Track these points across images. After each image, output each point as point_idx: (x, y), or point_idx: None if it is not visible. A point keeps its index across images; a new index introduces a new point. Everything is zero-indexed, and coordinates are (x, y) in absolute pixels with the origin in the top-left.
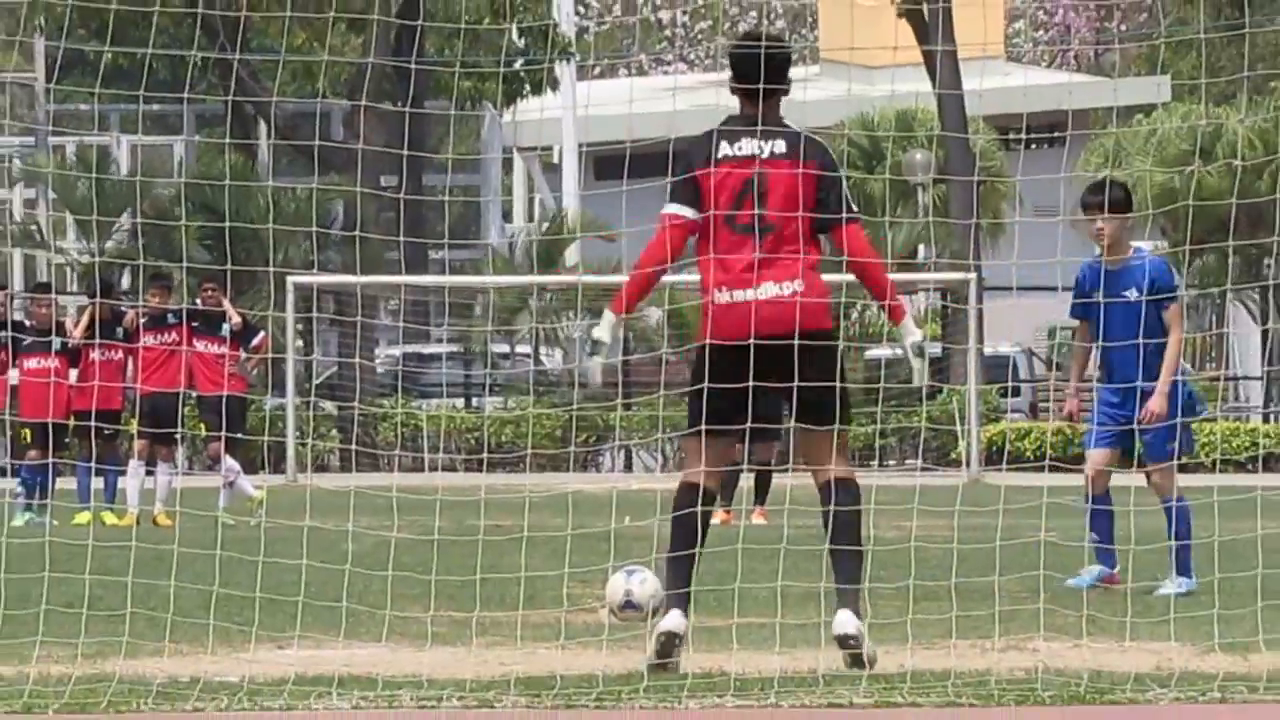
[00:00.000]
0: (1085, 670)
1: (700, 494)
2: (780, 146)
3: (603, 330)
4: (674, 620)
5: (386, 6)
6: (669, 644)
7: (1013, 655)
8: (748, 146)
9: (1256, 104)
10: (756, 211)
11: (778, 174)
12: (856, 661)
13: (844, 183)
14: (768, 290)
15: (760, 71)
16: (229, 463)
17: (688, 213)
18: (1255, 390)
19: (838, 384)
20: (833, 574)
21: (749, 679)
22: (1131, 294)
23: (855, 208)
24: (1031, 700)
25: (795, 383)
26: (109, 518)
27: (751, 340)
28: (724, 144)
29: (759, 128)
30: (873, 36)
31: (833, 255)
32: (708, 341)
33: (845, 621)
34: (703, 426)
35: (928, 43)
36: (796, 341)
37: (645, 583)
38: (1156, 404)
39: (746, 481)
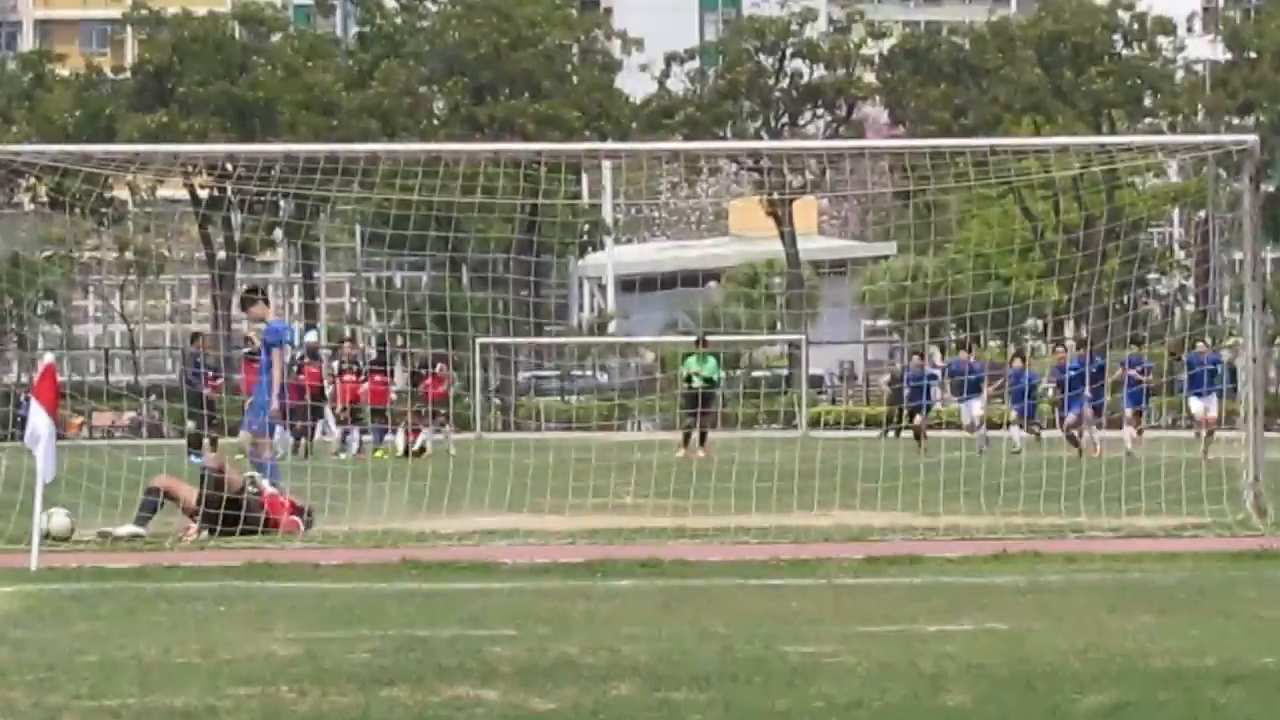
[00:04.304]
0: (856, 524)
1: None
2: None
3: None
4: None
5: (523, 210)
6: None
7: (819, 519)
8: None
9: (938, 255)
10: None
11: None
12: None
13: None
14: None
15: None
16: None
17: None
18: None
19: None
20: None
21: (698, 529)
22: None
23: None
24: (828, 540)
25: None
26: (380, 454)
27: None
28: None
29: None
30: (755, 224)
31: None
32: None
33: None
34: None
35: (782, 227)
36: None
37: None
38: None
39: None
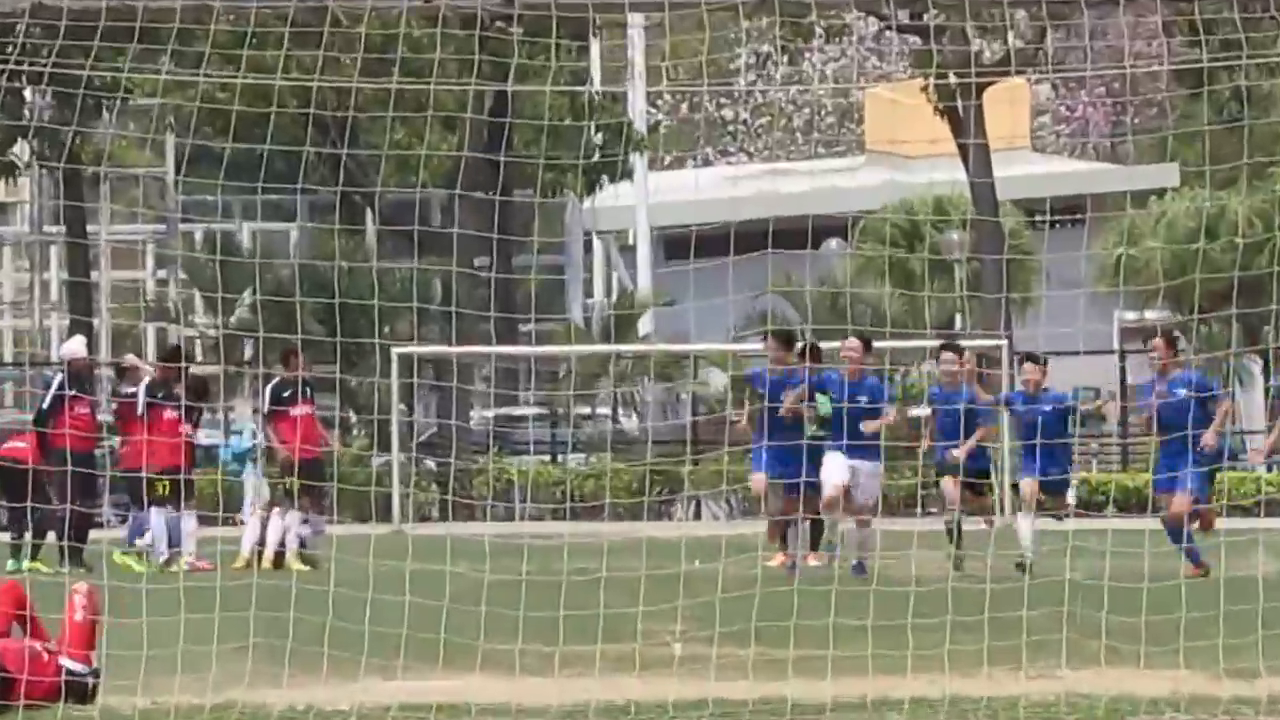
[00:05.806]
0: (1106, 694)
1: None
2: None
3: None
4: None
5: (479, 106)
6: None
7: (1041, 682)
8: None
9: (1255, 188)
10: None
11: None
12: None
13: None
14: None
15: None
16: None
17: None
18: (1260, 442)
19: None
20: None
21: (804, 703)
22: None
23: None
24: None
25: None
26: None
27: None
28: None
29: None
30: (912, 130)
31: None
32: None
33: None
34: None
35: (962, 136)
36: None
37: None
38: None
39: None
